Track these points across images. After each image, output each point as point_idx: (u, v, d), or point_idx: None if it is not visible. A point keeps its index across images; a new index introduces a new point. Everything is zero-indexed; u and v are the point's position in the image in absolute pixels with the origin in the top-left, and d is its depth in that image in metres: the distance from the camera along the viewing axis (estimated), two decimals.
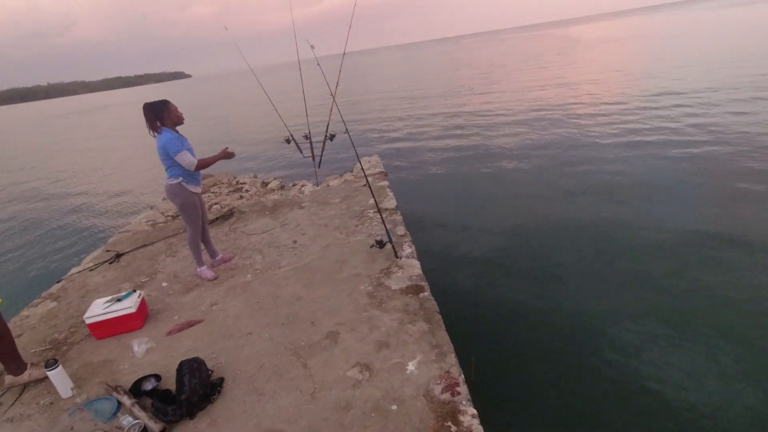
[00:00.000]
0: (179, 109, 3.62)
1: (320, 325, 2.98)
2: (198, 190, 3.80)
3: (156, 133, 3.51)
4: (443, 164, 9.05)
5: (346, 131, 3.98)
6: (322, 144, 6.87)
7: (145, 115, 3.48)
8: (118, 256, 4.77)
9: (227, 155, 3.77)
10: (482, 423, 2.09)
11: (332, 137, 6.67)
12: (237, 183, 7.40)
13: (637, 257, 4.77)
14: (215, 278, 3.91)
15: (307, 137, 6.83)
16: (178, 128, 3.65)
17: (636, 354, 3.50)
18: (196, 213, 3.83)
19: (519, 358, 3.66)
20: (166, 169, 3.62)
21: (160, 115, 3.50)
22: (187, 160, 3.50)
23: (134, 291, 3.40)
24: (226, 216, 5.53)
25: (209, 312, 3.37)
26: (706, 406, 2.98)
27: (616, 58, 25.32)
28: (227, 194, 6.85)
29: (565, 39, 56.20)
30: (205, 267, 3.98)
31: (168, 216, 6.06)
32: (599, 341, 3.68)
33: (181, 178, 3.61)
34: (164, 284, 3.98)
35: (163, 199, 6.93)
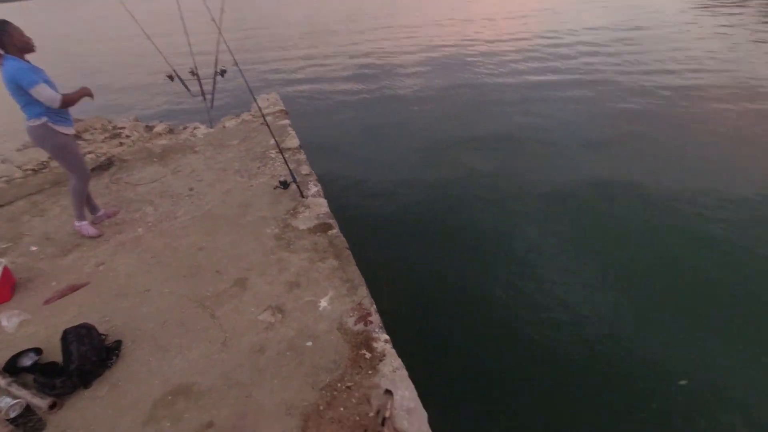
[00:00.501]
0: (26, 35, 2.91)
1: (226, 273, 2.85)
2: (71, 131, 3.19)
3: None
4: (347, 102, 8.78)
5: (236, 64, 3.59)
6: (212, 81, 6.18)
7: None
8: None
9: (89, 93, 3.19)
10: (394, 347, 2.23)
11: (223, 72, 6.00)
12: (114, 128, 6.44)
13: (534, 199, 5.21)
14: (99, 235, 3.47)
15: (193, 73, 6.07)
16: (27, 57, 2.97)
17: (531, 281, 3.96)
18: (77, 155, 3.27)
19: (429, 284, 3.93)
20: (22, 108, 2.96)
21: None
22: (47, 94, 2.86)
23: None
24: (104, 166, 4.84)
25: (95, 273, 3.02)
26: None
27: None
28: (103, 141, 5.95)
29: None
30: (86, 222, 3.48)
31: (28, 170, 5.13)
32: (498, 266, 4.08)
33: (45, 118, 2.97)
34: (33, 248, 3.44)
35: (18, 149, 5.82)
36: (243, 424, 1.89)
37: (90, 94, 3.20)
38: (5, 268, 2.92)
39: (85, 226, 3.46)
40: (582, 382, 2.94)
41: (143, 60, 15.01)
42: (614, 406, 2.79)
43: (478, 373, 3.08)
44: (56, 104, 2.93)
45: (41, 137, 3.07)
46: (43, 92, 2.86)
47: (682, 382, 2.83)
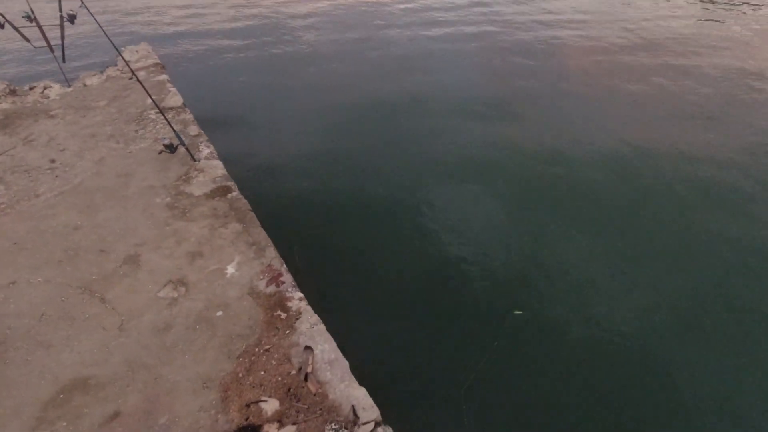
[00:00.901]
0: None
1: (113, 251, 2.54)
2: None
3: None
4: (234, 57, 7.95)
5: (83, 4, 3.01)
6: (59, 29, 5.14)
7: None
8: None
9: None
10: (310, 303, 2.23)
11: (72, 19, 5.02)
12: None
13: (421, 136, 5.37)
14: None
15: (30, 18, 4.98)
16: None
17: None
18: None
19: (338, 237, 3.94)
20: None
21: None
22: None
23: None
24: None
25: None
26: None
27: None
28: None
29: None
30: None
31: None
32: (403, 215, 4.21)
33: None
34: None
35: None
36: (155, 407, 1.78)
37: None
38: None
39: None
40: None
41: None
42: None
43: (393, 315, 3.24)
44: None
45: None
46: None
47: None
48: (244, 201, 2.86)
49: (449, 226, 3.99)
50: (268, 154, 5.08)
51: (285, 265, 2.40)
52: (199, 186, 3.01)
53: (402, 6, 10.26)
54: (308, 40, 8.51)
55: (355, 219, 4.13)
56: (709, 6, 10.49)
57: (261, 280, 2.30)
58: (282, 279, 2.28)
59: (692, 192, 4.40)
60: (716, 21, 9.34)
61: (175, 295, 2.24)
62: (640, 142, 5.16)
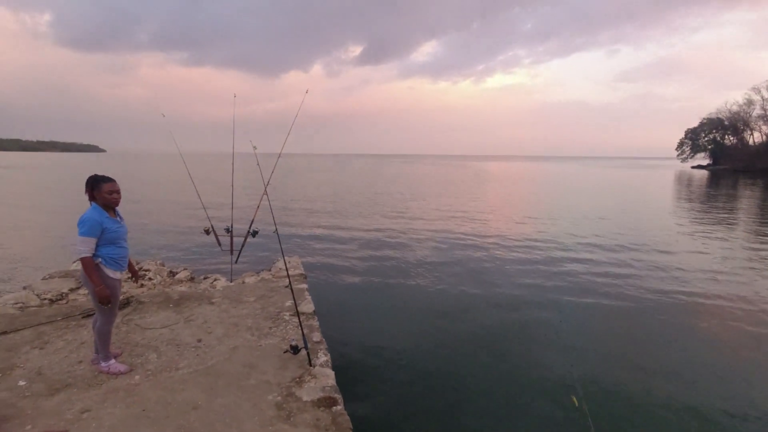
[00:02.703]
0: (117, 191, 3.42)
1: None
2: (119, 276, 3.44)
3: None
4: (362, 275, 9.16)
5: (275, 231, 4.00)
6: (243, 239, 6.71)
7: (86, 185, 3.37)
8: None
9: (101, 292, 3.23)
10: None
11: (255, 233, 6.58)
12: (140, 269, 6.76)
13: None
14: (130, 370, 3.45)
15: (228, 230, 6.65)
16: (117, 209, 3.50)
17: None
18: (115, 301, 3.43)
19: None
20: None
21: (90, 189, 3.35)
22: (79, 247, 3.20)
23: None
24: (122, 305, 4.92)
25: (77, 421, 2.81)
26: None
27: (522, 192, 29.34)
28: (126, 280, 6.18)
29: (480, 171, 64.28)
30: (114, 360, 3.47)
31: (45, 299, 5.24)
32: None
33: (100, 259, 3.27)
34: (22, 383, 3.28)
35: (44, 278, 6.04)
36: None
37: (101, 296, 3.24)
38: None
39: (114, 365, 3.44)
40: None
41: (190, 211, 16.56)
42: None
43: None
44: (76, 256, 3.31)
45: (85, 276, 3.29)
46: (78, 244, 3.20)
47: None
48: (347, 417, 2.84)
49: None
50: (376, 370, 5.14)
51: None
52: (309, 392, 3.13)
53: (518, 255, 11.10)
54: (425, 268, 9.45)
55: None
56: None
57: None
58: None
59: None
60: None
61: None
62: None
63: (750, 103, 74.25)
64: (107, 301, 3.28)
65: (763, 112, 72.35)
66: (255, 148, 4.55)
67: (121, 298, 5.14)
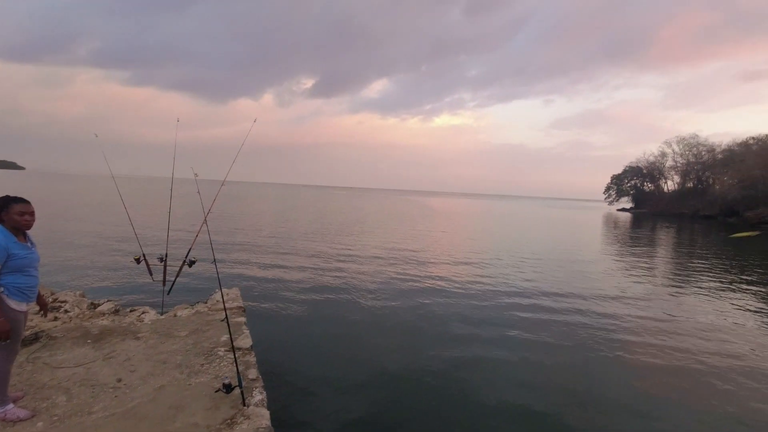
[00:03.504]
0: (30, 213, 3.12)
1: None
2: (24, 308, 3.07)
3: None
4: (305, 308, 8.89)
5: (214, 261, 3.83)
6: (178, 269, 6.33)
7: None
8: None
9: (1, 327, 2.89)
10: None
11: (192, 263, 6.25)
12: (55, 300, 6.11)
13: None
14: (32, 416, 3.03)
15: (162, 259, 6.26)
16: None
17: None
18: (16, 337, 3.04)
19: None
20: None
21: None
22: None
23: None
24: (28, 341, 4.39)
25: None
26: None
27: (467, 224, 30.36)
28: (36, 313, 5.55)
29: (424, 206, 65.86)
30: (12, 405, 3.03)
31: None
32: None
33: (2, 288, 2.92)
34: None
35: None
36: None
37: (0, 331, 2.91)
38: None
39: (12, 411, 3.00)
40: None
41: (122, 243, 15.16)
42: None
43: None
44: None
45: None
46: None
47: None
48: None
49: None
50: (315, 411, 4.92)
51: None
52: None
53: (462, 285, 11.37)
54: (370, 298, 9.39)
55: None
56: None
57: None
58: None
59: None
60: None
61: None
62: None
63: (663, 155, 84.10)
64: (6, 336, 2.92)
65: (674, 163, 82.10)
66: (196, 174, 4.40)
67: (27, 333, 4.62)
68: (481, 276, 13.00)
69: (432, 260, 15.58)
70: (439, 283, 11.75)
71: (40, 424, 2.99)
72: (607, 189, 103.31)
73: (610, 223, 49.87)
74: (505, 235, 28.20)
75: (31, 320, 5.23)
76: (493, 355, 6.81)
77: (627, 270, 15.58)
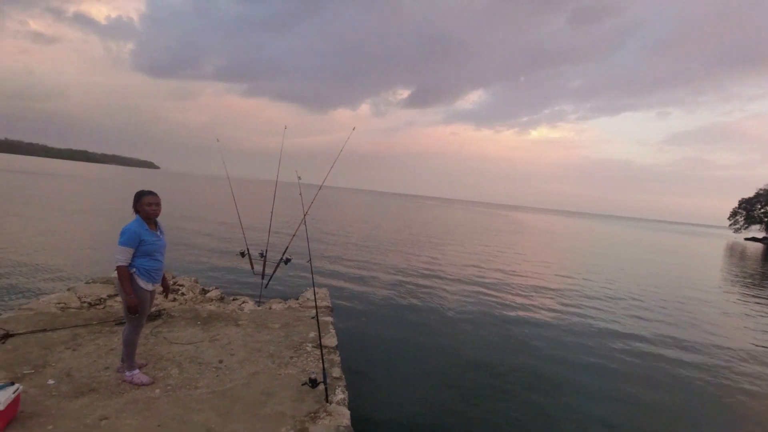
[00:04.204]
0: (156, 204, 3.58)
1: None
2: (150, 287, 3.55)
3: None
4: (391, 315, 8.98)
5: (309, 260, 4.04)
6: (276, 265, 6.83)
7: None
8: (6, 336, 4.11)
9: (131, 302, 3.34)
10: None
11: (287, 261, 6.69)
12: (174, 284, 6.97)
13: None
14: (152, 383, 3.49)
15: (262, 255, 6.80)
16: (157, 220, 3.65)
17: None
18: (143, 312, 3.53)
19: None
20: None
21: (135, 203, 3.52)
22: (117, 256, 3.33)
23: (11, 383, 2.87)
24: (153, 316, 5.06)
25: (95, 427, 2.84)
26: None
27: (558, 244, 28.42)
28: (160, 293, 6.37)
29: (508, 220, 63.08)
30: (138, 370, 3.52)
31: (85, 302, 5.47)
32: None
33: (134, 269, 3.40)
34: (51, 381, 3.38)
35: (87, 282, 6.33)
36: None
37: (130, 305, 3.34)
38: (17, 397, 2.85)
39: (138, 375, 3.49)
40: None
41: (229, 233, 17.08)
42: None
43: None
44: (115, 264, 3.36)
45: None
46: (116, 253, 3.33)
47: None
48: None
49: None
50: (393, 417, 4.93)
51: None
52: (323, 429, 3.03)
53: (549, 308, 10.61)
54: (457, 309, 9.18)
55: None
56: None
57: None
58: None
59: None
60: None
61: None
62: None
63: None
64: (135, 310, 3.37)
65: None
66: (299, 177, 4.71)
67: (152, 310, 5.30)
68: (574, 303, 12.00)
69: (522, 280, 14.79)
70: (527, 304, 11.10)
71: (157, 390, 3.40)
72: (734, 214, 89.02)
73: (736, 254, 42.79)
74: (605, 259, 25.74)
75: (156, 299, 6.01)
76: (579, 387, 6.22)
77: (755, 315, 13.21)
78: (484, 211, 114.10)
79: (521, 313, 9.86)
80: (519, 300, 11.19)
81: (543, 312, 10.34)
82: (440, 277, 13.46)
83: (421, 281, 12.59)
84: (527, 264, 18.86)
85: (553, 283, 14.65)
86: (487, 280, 13.64)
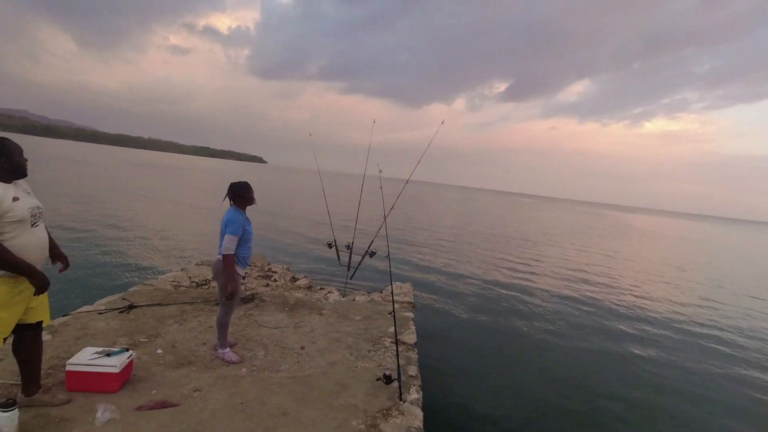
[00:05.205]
0: (253, 192, 3.81)
1: None
2: (243, 272, 3.80)
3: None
4: (474, 316, 8.65)
5: (388, 255, 4.00)
6: (361, 257, 6.95)
7: (229, 189, 3.76)
8: (131, 307, 4.73)
9: (232, 290, 3.54)
10: None
11: (372, 254, 6.75)
12: (269, 270, 7.47)
13: None
14: (240, 362, 3.74)
15: (348, 247, 6.96)
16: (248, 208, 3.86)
17: None
18: (238, 296, 3.80)
19: None
20: (221, 245, 3.64)
21: (235, 194, 3.73)
22: (227, 244, 3.52)
23: (126, 350, 3.26)
24: (247, 299, 5.46)
25: (189, 397, 3.10)
26: None
27: (665, 252, 25.05)
28: (255, 278, 6.88)
29: (615, 222, 57.04)
30: (228, 349, 3.81)
31: (193, 282, 6.10)
32: None
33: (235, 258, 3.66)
34: (159, 351, 3.80)
35: (197, 264, 7.07)
36: None
37: (233, 292, 3.54)
38: (131, 362, 3.23)
39: (228, 353, 3.77)
40: None
41: (319, 224, 18.11)
42: None
43: None
44: (224, 252, 3.51)
45: (220, 270, 3.65)
46: (227, 242, 3.51)
47: None
48: None
49: None
50: (469, 421, 4.71)
51: None
52: (394, 428, 2.96)
53: (652, 320, 9.31)
54: (544, 316, 8.51)
55: None
56: None
57: None
58: None
59: None
60: None
61: None
62: None
63: None
64: (235, 296, 3.60)
65: None
66: (380, 171, 4.69)
67: (247, 293, 5.70)
68: (691, 321, 10.39)
69: (626, 291, 13.24)
70: (629, 319, 9.88)
71: (243, 369, 3.63)
72: None
73: None
74: (734, 271, 21.95)
75: (251, 283, 6.48)
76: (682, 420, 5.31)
77: None
78: (585, 210, 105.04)
79: (620, 331, 8.78)
80: (626, 319, 9.98)
81: (648, 332, 9.11)
82: (535, 283, 12.61)
83: (513, 284, 11.93)
84: (633, 274, 16.85)
85: (661, 296, 12.89)
86: (589, 292, 12.42)
